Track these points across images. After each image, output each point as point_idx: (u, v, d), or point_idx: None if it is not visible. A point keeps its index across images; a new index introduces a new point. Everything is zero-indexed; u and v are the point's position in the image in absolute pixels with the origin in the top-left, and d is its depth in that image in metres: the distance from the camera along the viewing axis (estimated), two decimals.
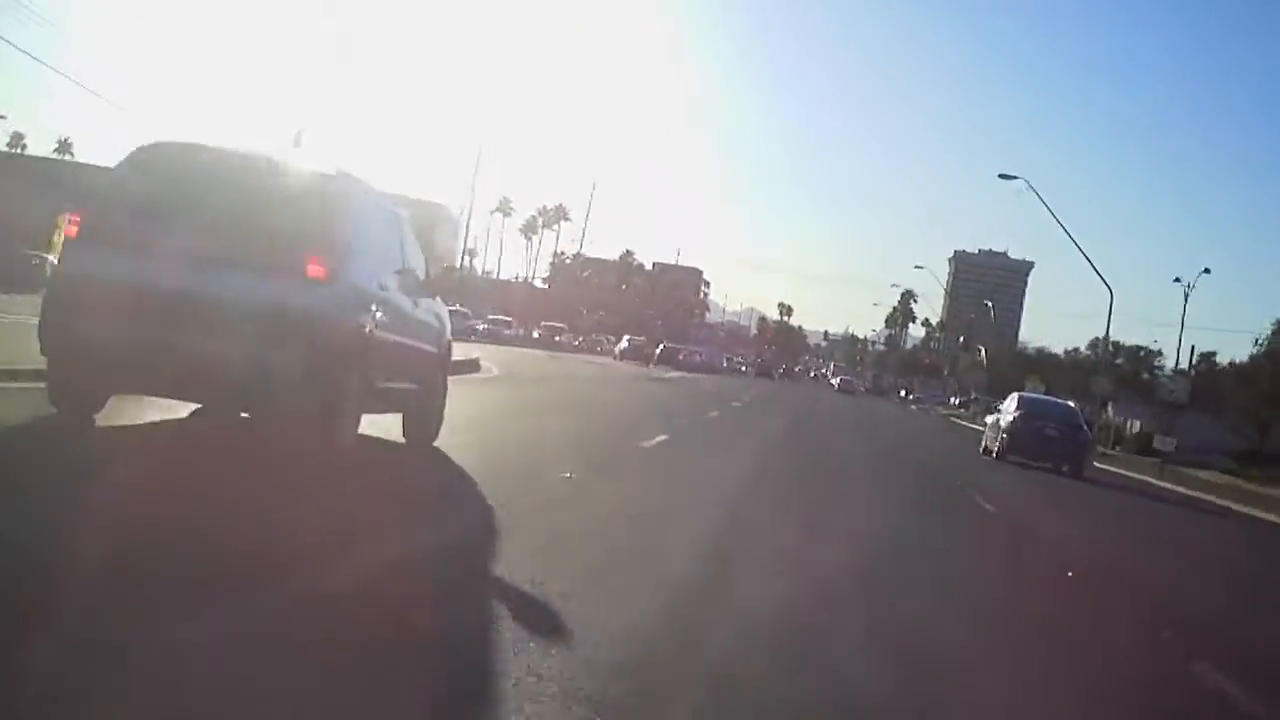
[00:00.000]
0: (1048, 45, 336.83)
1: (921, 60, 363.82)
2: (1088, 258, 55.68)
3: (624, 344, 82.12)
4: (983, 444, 33.12)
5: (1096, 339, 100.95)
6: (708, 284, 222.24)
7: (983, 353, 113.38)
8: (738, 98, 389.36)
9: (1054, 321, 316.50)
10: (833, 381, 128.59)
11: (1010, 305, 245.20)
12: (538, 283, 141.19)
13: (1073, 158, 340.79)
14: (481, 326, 62.05)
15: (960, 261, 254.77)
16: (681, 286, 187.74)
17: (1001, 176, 54.00)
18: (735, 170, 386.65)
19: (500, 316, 71.21)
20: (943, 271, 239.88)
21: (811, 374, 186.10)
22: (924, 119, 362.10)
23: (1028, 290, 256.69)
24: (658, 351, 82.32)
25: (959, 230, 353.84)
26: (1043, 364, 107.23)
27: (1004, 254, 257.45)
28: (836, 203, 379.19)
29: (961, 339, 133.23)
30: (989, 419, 34.55)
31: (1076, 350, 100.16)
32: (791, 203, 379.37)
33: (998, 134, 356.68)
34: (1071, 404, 35.79)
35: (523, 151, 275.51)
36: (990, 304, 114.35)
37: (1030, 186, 52.22)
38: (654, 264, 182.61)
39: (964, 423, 74.87)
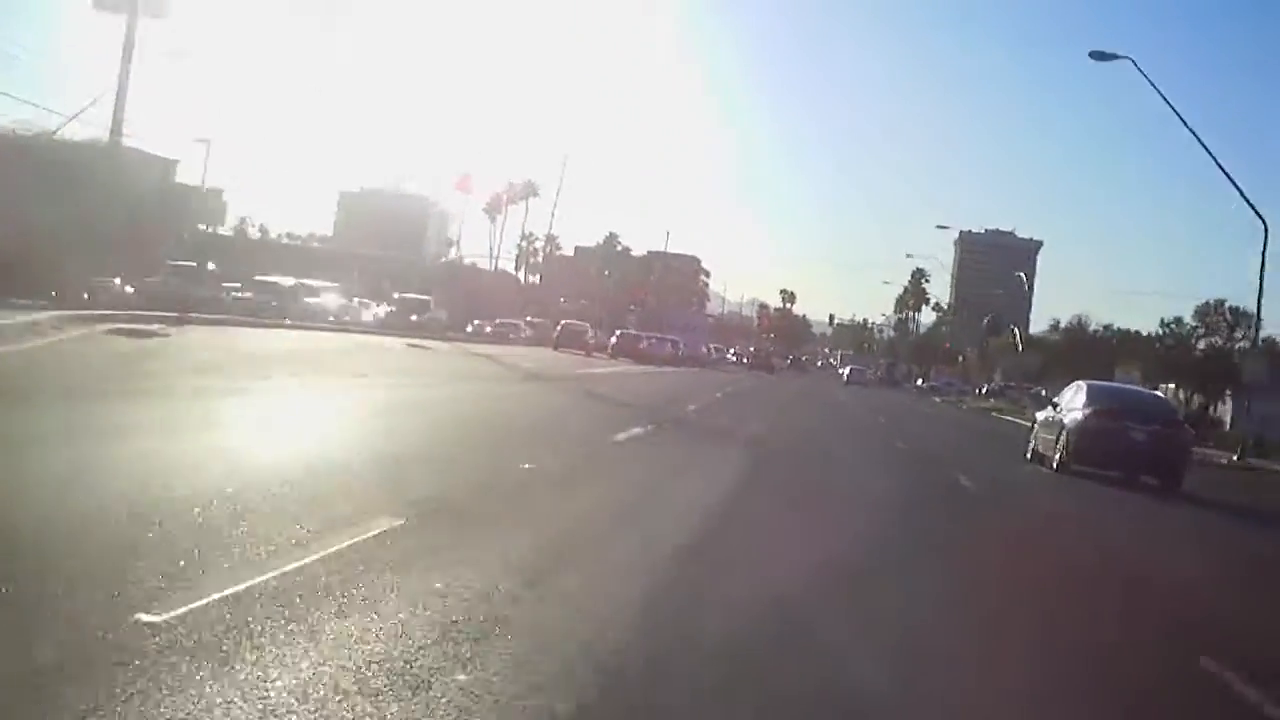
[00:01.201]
0: (1053, 25, 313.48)
1: (922, 44, 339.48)
2: (1234, 181, 36.34)
3: (559, 330, 62.48)
4: (1031, 446, 24.63)
5: (1211, 303, 78.22)
6: (707, 273, 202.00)
7: (1017, 334, 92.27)
8: (735, 83, 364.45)
9: (1072, 300, 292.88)
10: (841, 372, 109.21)
11: (1019, 286, 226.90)
12: (507, 266, 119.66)
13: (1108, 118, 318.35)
14: (241, 295, 40.13)
15: (966, 242, 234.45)
16: (677, 274, 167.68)
17: (1094, 55, 39.06)
18: (734, 159, 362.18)
19: (286, 280, 47.28)
20: (948, 254, 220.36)
21: (819, 363, 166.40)
22: (926, 99, 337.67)
23: (1037, 271, 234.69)
24: (612, 340, 61.51)
25: (963, 213, 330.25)
26: (1111, 344, 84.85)
27: (1011, 233, 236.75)
28: (838, 191, 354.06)
29: (987, 320, 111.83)
30: (1040, 415, 25.48)
31: (1179, 320, 75.92)
32: (793, 191, 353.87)
33: (1004, 113, 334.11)
34: (1159, 394, 28.51)
35: (505, 138, 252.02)
36: (1023, 275, 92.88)
37: (1135, 65, 36.56)
38: (648, 252, 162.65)
39: (1009, 417, 55.44)
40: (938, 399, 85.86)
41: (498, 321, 62.47)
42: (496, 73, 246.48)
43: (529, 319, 69.35)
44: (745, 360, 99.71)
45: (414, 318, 48.73)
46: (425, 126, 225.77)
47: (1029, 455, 24.26)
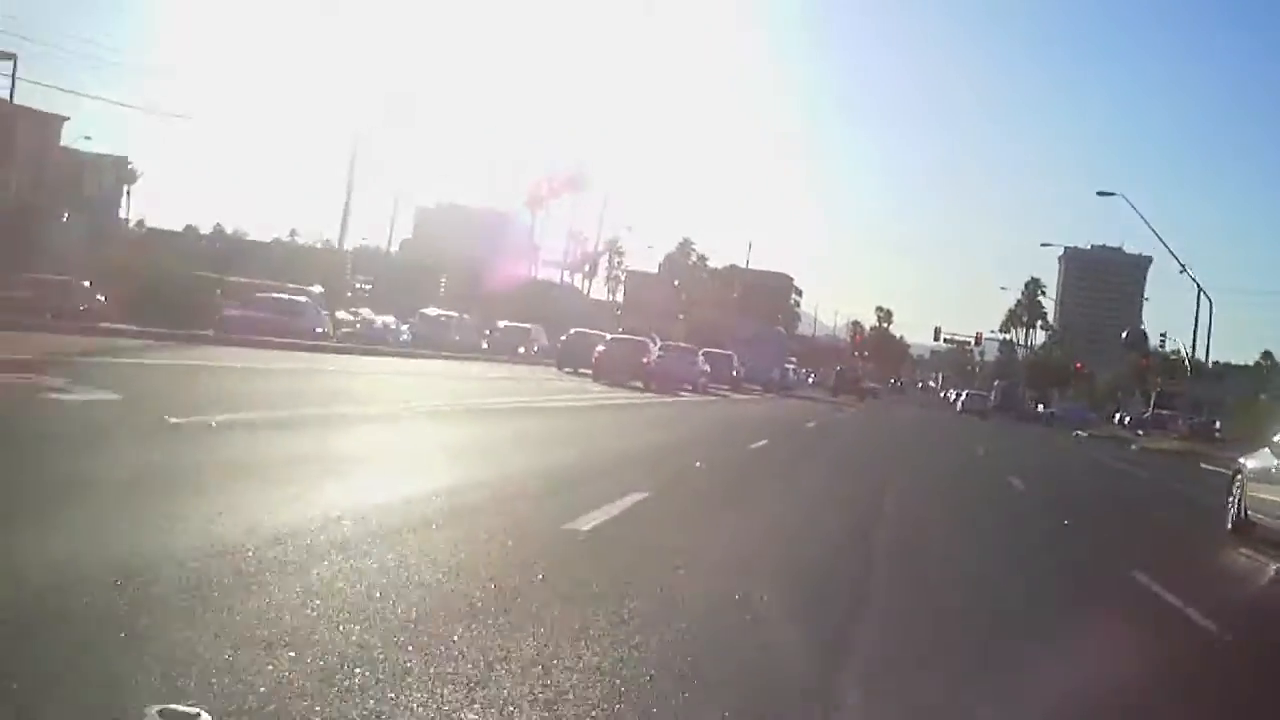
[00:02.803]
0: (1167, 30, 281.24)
1: (1021, 53, 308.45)
2: None
3: (565, 340, 40.13)
4: (1234, 508, 14.77)
5: None
6: (799, 292, 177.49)
7: (1183, 353, 67.09)
8: (828, 98, 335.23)
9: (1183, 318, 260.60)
10: (947, 396, 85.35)
11: (1128, 305, 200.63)
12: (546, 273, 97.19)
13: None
14: None
15: (1071, 260, 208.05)
16: (765, 292, 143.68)
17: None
18: (830, 181, 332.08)
19: None
20: (1052, 273, 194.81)
21: (919, 385, 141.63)
22: (1018, 117, 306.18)
23: (1147, 287, 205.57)
24: (597, 351, 36.59)
25: (1066, 232, 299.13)
26: None
27: (1119, 249, 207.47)
28: (938, 214, 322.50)
29: (1127, 333, 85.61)
30: (1250, 464, 14.96)
31: None
32: (890, 215, 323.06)
33: (1105, 123, 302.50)
34: None
35: (578, 146, 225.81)
36: (1188, 271, 66.80)
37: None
38: (730, 265, 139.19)
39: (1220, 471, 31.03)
40: (1081, 433, 61.25)
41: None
42: (570, 77, 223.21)
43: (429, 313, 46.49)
44: (830, 384, 75.28)
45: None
46: (496, 138, 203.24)
47: (1231, 523, 14.63)
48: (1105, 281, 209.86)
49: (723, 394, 42.48)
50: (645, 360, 33.85)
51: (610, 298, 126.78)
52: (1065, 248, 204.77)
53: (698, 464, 12.94)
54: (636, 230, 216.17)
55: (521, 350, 43.42)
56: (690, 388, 40.10)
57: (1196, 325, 67.17)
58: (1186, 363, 63.87)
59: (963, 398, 70.22)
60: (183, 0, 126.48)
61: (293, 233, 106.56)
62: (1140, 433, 69.68)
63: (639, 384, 33.95)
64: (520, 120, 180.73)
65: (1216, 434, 64.48)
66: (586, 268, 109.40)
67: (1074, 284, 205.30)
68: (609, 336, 35.84)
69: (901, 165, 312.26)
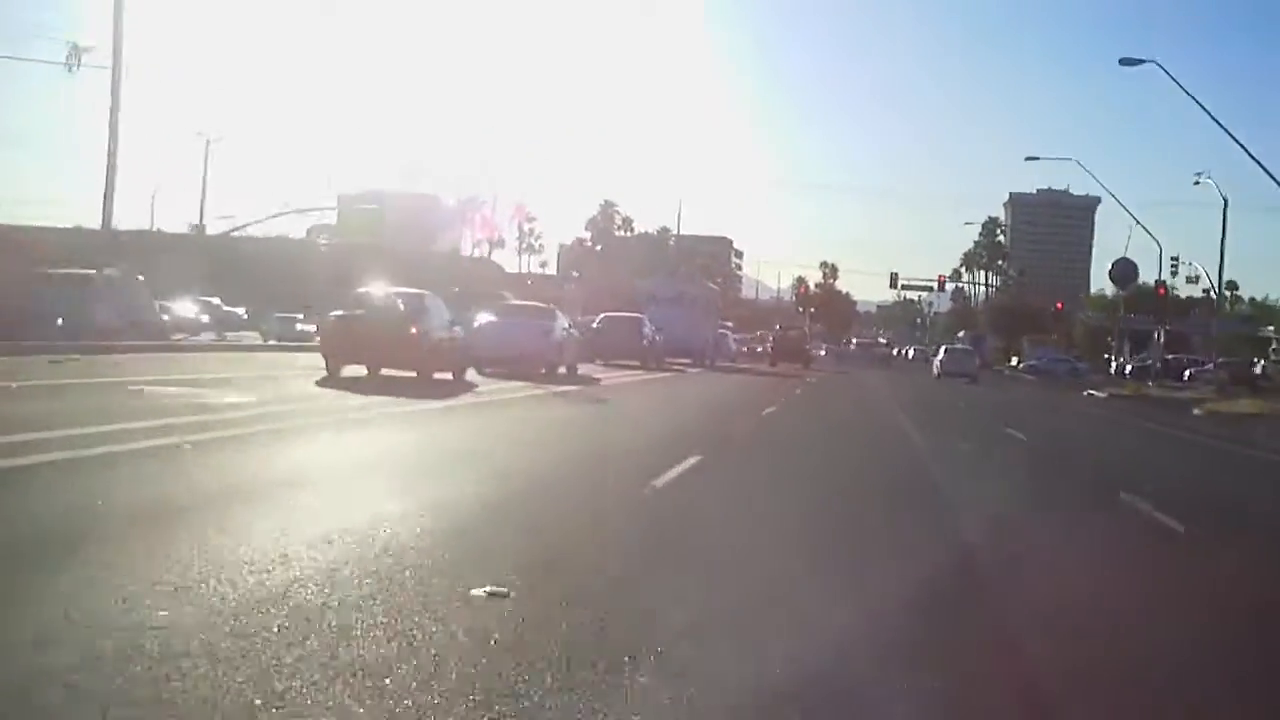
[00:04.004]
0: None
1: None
2: None
3: None
4: None
5: None
6: (739, 254, 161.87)
7: (1205, 278, 52.40)
8: (763, 59, 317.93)
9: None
10: (900, 353, 70.81)
11: (1078, 248, 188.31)
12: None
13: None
14: None
15: (1017, 204, 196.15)
16: (701, 255, 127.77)
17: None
18: (768, 140, 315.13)
19: None
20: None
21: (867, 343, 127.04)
22: (956, 61, 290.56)
23: (1095, 230, 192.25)
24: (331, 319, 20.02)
25: (1012, 177, 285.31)
26: None
27: (1065, 191, 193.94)
28: (878, 171, 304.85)
29: (1115, 264, 70.97)
30: None
31: None
32: (832, 173, 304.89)
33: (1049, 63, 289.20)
34: None
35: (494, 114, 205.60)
36: (1207, 178, 51.94)
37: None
38: (662, 229, 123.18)
39: None
40: (1095, 393, 46.60)
41: None
42: (488, 51, 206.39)
43: None
44: (768, 349, 60.03)
45: None
46: (420, 119, 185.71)
47: None
48: (1055, 225, 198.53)
49: (597, 376, 26.68)
50: (413, 330, 17.73)
51: (540, 269, 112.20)
52: (1010, 194, 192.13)
53: None
54: (562, 196, 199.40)
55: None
56: (544, 370, 24.50)
57: (1224, 247, 52.67)
58: (1213, 293, 48.98)
59: (940, 357, 54.97)
60: None
61: (193, 226, 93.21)
62: (1150, 384, 55.43)
63: (416, 373, 18.24)
64: (445, 98, 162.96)
65: (1261, 381, 50.32)
66: (493, 238, 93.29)
67: (1022, 229, 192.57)
68: (360, 291, 19.50)
69: (843, 106, 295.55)
